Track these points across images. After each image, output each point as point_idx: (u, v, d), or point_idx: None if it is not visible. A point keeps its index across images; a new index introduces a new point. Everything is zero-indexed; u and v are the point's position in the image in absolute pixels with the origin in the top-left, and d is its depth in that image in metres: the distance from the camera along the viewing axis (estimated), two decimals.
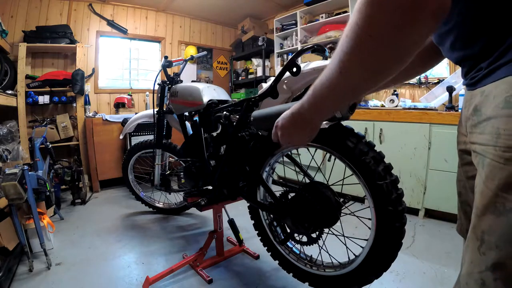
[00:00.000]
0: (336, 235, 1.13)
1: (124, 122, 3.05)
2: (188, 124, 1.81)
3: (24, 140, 2.73)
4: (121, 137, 2.96)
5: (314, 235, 1.13)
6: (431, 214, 2.30)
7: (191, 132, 1.71)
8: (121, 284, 1.50)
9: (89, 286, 1.49)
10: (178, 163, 2.44)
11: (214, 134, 1.59)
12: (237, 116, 1.26)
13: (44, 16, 3.14)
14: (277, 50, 3.94)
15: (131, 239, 2.02)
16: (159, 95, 2.08)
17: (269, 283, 1.50)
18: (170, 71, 2.02)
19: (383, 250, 0.91)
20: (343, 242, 1.08)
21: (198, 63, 4.46)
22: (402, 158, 2.33)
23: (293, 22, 3.72)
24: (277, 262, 1.35)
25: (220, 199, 1.56)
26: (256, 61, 4.23)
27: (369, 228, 0.94)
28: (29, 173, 1.65)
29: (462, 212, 0.67)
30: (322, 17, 3.43)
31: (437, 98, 2.47)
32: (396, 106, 2.60)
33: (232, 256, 1.75)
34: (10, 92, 2.73)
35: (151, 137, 2.95)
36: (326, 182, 1.13)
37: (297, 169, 1.32)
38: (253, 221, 1.41)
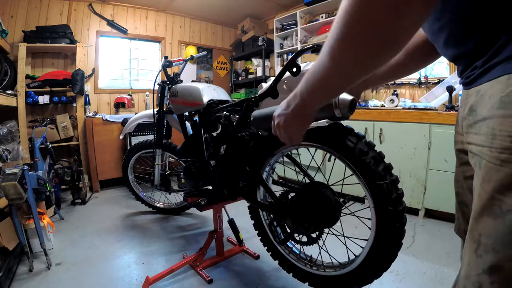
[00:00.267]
0: (336, 235, 1.13)
1: (124, 122, 3.05)
2: (188, 124, 1.81)
3: (24, 140, 2.73)
4: (121, 137, 2.96)
5: (314, 235, 1.13)
6: (431, 214, 2.30)
7: (191, 132, 1.71)
8: (121, 284, 1.50)
9: (89, 286, 1.49)
10: (178, 163, 2.44)
11: (214, 134, 1.59)
12: (237, 116, 1.26)
13: (44, 16, 3.14)
14: (277, 50, 3.94)
15: (131, 239, 2.02)
16: (159, 95, 2.08)
17: (269, 283, 1.50)
18: (170, 71, 2.02)
19: (383, 250, 0.91)
20: (343, 242, 1.08)
21: (198, 63, 4.46)
22: (402, 158, 2.33)
23: (293, 22, 3.72)
24: (277, 262, 1.35)
25: (220, 199, 1.56)
26: (256, 61, 4.23)
27: (369, 228, 0.94)
28: (29, 173, 1.65)
29: (460, 212, 0.66)
30: (322, 17, 3.43)
31: (437, 98, 2.47)
32: (396, 106, 2.60)
33: (232, 256, 1.75)
34: (10, 92, 2.72)
35: (151, 137, 2.95)
36: (326, 182, 1.13)
37: (297, 169, 1.32)
38: (253, 221, 1.41)
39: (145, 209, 2.53)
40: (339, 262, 1.13)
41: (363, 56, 0.43)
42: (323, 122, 0.90)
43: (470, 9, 0.46)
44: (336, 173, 1.14)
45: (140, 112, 2.40)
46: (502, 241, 0.40)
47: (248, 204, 1.39)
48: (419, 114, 2.25)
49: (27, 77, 2.93)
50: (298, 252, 1.29)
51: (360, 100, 2.99)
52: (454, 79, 2.35)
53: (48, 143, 2.53)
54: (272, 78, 1.07)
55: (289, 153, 1.27)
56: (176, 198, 2.47)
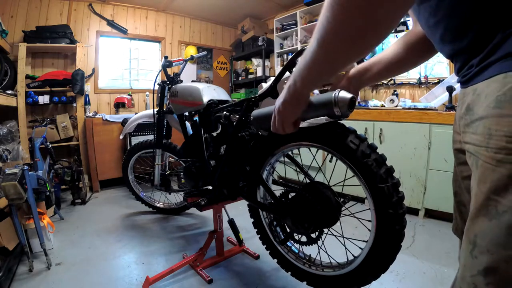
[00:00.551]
0: (335, 235, 1.13)
1: (124, 122, 3.05)
2: (188, 124, 1.81)
3: (24, 140, 2.73)
4: (121, 137, 2.96)
5: (313, 235, 1.12)
6: (431, 214, 2.30)
7: (191, 132, 1.71)
8: (121, 284, 1.50)
9: (89, 286, 1.49)
10: (178, 163, 2.44)
11: (214, 134, 1.59)
12: (237, 116, 1.26)
13: (44, 16, 3.14)
14: (277, 50, 3.94)
15: (131, 239, 2.02)
16: (159, 95, 2.08)
17: (269, 283, 1.50)
18: (170, 71, 2.02)
19: (382, 252, 0.91)
20: (342, 243, 1.08)
21: (198, 63, 4.46)
22: (402, 158, 2.33)
23: (293, 22, 3.72)
24: (277, 262, 1.35)
25: (220, 199, 1.56)
26: (256, 61, 4.23)
27: (369, 230, 0.94)
28: (29, 173, 1.65)
29: (458, 212, 0.66)
30: None
31: (437, 98, 2.47)
32: (396, 106, 2.60)
33: (232, 256, 1.75)
34: (10, 92, 2.73)
35: (151, 137, 2.95)
36: (326, 183, 1.13)
37: (297, 169, 1.32)
38: (252, 219, 1.41)
39: (145, 209, 2.53)
40: (338, 262, 1.13)
41: (348, 40, 0.45)
42: (322, 120, 0.89)
43: (465, 5, 0.45)
44: (337, 174, 1.14)
45: (140, 112, 2.40)
46: (497, 242, 0.40)
47: (248, 204, 1.39)
48: (419, 114, 2.25)
49: (27, 77, 2.93)
50: (297, 251, 1.29)
51: (360, 100, 3.00)
52: (454, 79, 2.35)
53: (48, 143, 2.53)
54: (272, 78, 1.07)
55: (289, 153, 1.27)
56: (176, 198, 2.47)
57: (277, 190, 1.21)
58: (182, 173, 1.94)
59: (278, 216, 1.20)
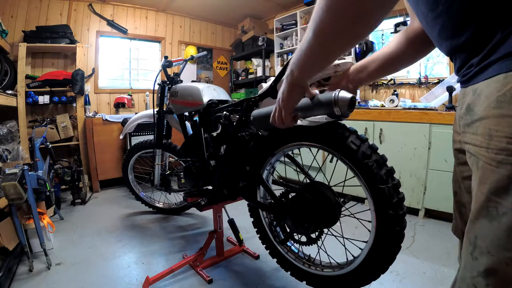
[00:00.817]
0: (335, 236, 1.13)
1: (124, 122, 3.05)
2: (188, 124, 1.81)
3: (24, 140, 2.73)
4: (121, 137, 2.96)
5: (313, 236, 1.12)
6: (431, 214, 2.30)
7: (191, 132, 1.71)
8: (121, 284, 1.50)
9: (89, 286, 1.49)
10: (178, 163, 2.44)
11: (214, 134, 1.59)
12: (237, 116, 1.26)
13: (44, 16, 3.14)
14: (277, 50, 3.94)
15: (131, 239, 2.02)
16: (159, 95, 2.08)
17: (269, 283, 1.50)
18: (170, 71, 2.02)
19: (382, 253, 0.91)
20: (342, 243, 1.08)
21: (198, 63, 4.46)
22: (402, 158, 2.33)
23: (293, 22, 3.72)
24: (276, 262, 1.35)
25: (220, 199, 1.56)
26: (256, 61, 4.23)
27: (369, 231, 0.94)
28: (29, 173, 1.65)
29: (458, 212, 0.66)
30: None
31: (437, 98, 2.47)
32: (396, 106, 2.60)
33: (232, 256, 1.75)
34: (10, 92, 2.73)
35: (151, 137, 2.95)
36: (326, 183, 1.13)
37: (298, 169, 1.32)
38: (252, 219, 1.41)
39: (145, 209, 2.53)
40: (338, 262, 1.13)
41: (340, 29, 0.48)
42: (322, 118, 0.89)
43: (464, 1, 0.45)
44: (337, 174, 1.14)
45: (140, 112, 2.39)
46: (497, 244, 0.40)
47: (248, 204, 1.39)
48: (419, 114, 2.25)
49: (27, 77, 2.93)
50: (296, 251, 1.29)
51: (360, 100, 3.00)
52: (454, 79, 2.35)
53: (48, 143, 2.53)
54: (272, 78, 1.07)
55: (290, 153, 1.27)
56: (176, 198, 2.47)
57: (277, 190, 1.21)
58: (182, 173, 1.94)
59: (278, 216, 1.20)
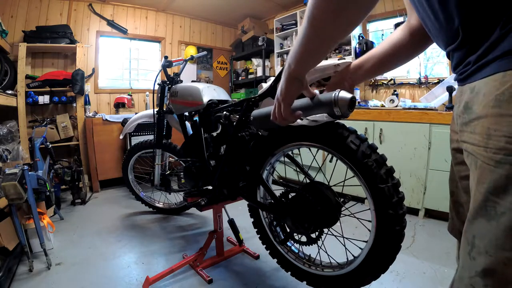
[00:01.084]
0: (335, 236, 1.13)
1: (124, 122, 3.05)
2: (188, 124, 1.81)
3: (24, 140, 2.73)
4: (121, 137, 2.96)
5: (313, 235, 1.12)
6: (431, 214, 2.30)
7: (191, 132, 1.71)
8: (121, 284, 1.50)
9: (89, 286, 1.49)
10: (178, 163, 2.44)
11: (214, 134, 1.59)
12: (237, 116, 1.26)
13: (44, 16, 3.14)
14: (277, 50, 3.94)
15: (131, 239, 2.02)
16: (159, 95, 2.08)
17: (269, 283, 1.50)
18: (170, 71, 2.02)
19: (382, 253, 0.91)
20: (342, 243, 1.08)
21: (198, 63, 4.46)
22: (402, 158, 2.33)
23: (293, 22, 3.72)
24: (277, 262, 1.35)
25: (220, 199, 1.56)
26: (256, 61, 4.23)
27: (369, 230, 0.94)
28: (29, 173, 1.65)
29: (455, 212, 0.66)
30: None
31: (437, 98, 2.47)
32: (396, 106, 2.60)
33: (232, 256, 1.75)
34: (10, 92, 2.72)
35: (151, 137, 2.95)
36: (326, 183, 1.13)
37: (297, 169, 1.32)
38: (252, 219, 1.41)
39: (145, 209, 2.53)
40: (338, 262, 1.13)
41: (332, 14, 0.49)
42: (322, 116, 0.89)
43: None
44: (337, 174, 1.14)
45: (140, 112, 2.39)
46: (495, 244, 0.40)
47: (248, 204, 1.39)
48: (419, 114, 2.25)
49: (27, 77, 2.92)
50: (296, 251, 1.29)
51: (360, 100, 3.00)
52: (454, 79, 2.35)
53: (48, 143, 2.53)
54: (272, 78, 1.07)
55: (290, 153, 1.27)
56: (176, 198, 2.47)
57: (277, 190, 1.21)
58: (182, 173, 1.94)
59: (278, 216, 1.20)
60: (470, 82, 0.47)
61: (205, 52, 2.63)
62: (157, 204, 2.49)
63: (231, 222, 1.71)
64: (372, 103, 2.80)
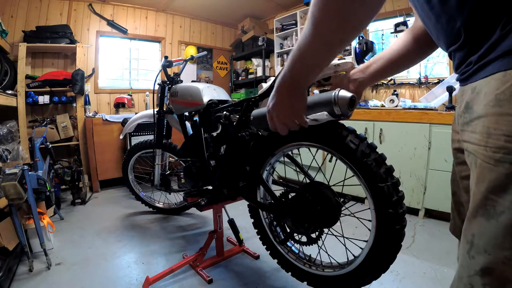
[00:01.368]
0: (335, 235, 1.13)
1: (124, 122, 3.05)
2: (188, 124, 1.81)
3: (24, 140, 2.73)
4: (121, 137, 2.96)
5: (314, 235, 1.12)
6: (431, 214, 2.30)
7: (191, 132, 1.71)
8: (121, 284, 1.50)
9: (89, 286, 1.49)
10: (178, 163, 2.44)
11: (214, 134, 1.59)
12: (237, 116, 1.26)
13: (44, 16, 3.14)
14: (277, 50, 3.94)
15: (131, 239, 2.02)
16: (159, 95, 2.08)
17: (269, 283, 1.50)
18: (170, 71, 2.02)
19: (382, 252, 0.91)
20: (343, 243, 1.08)
21: (198, 63, 4.46)
22: (402, 158, 2.33)
23: (293, 22, 3.72)
24: (277, 262, 1.35)
25: (220, 199, 1.56)
26: (256, 61, 4.23)
27: (369, 230, 0.94)
28: (29, 173, 1.65)
29: (456, 212, 0.66)
30: None
31: (437, 98, 2.47)
32: (396, 106, 2.60)
33: (232, 256, 1.75)
34: (10, 92, 2.73)
35: (151, 137, 2.95)
36: (326, 182, 1.13)
37: (297, 169, 1.32)
38: (252, 220, 1.41)
39: (145, 209, 2.53)
40: (338, 262, 1.13)
41: (338, 15, 0.47)
42: (323, 115, 0.89)
43: None
44: (337, 174, 1.14)
45: (140, 112, 2.39)
46: (494, 243, 0.40)
47: (248, 204, 1.39)
48: (419, 114, 2.25)
49: (27, 77, 2.93)
50: (297, 251, 1.29)
51: (360, 100, 2.99)
52: (454, 79, 2.35)
53: (48, 143, 2.53)
54: (272, 78, 1.07)
55: (289, 153, 1.27)
56: (176, 198, 2.47)
57: (277, 190, 1.21)
58: (182, 173, 1.94)
59: (278, 216, 1.20)
60: (472, 82, 0.47)
61: (205, 52, 2.63)
62: (157, 204, 2.48)
63: (231, 222, 1.71)
64: (372, 103, 2.80)
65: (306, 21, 0.51)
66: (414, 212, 2.33)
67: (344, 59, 0.88)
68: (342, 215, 1.08)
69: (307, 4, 3.44)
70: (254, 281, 1.52)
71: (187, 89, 1.64)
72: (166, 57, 1.91)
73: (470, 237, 0.44)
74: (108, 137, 3.18)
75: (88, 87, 3.41)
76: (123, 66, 3.90)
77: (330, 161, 1.01)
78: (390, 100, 2.64)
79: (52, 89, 3.03)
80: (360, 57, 2.94)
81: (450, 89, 2.29)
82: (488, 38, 0.42)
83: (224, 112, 1.36)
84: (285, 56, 3.97)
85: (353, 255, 1.05)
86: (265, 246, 1.37)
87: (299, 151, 1.23)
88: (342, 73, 0.87)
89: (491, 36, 0.42)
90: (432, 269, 1.58)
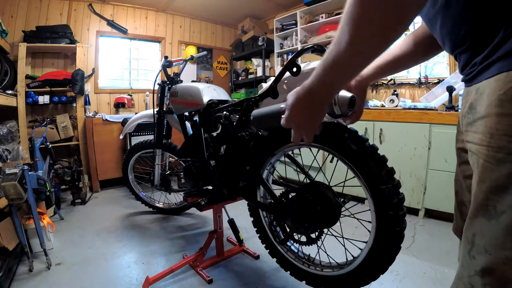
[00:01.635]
0: (335, 236, 1.13)
1: (124, 122, 3.05)
2: (188, 124, 1.81)
3: (24, 140, 2.73)
4: (121, 137, 2.96)
5: (313, 235, 1.12)
6: (431, 214, 2.30)
7: (191, 132, 1.71)
8: (121, 284, 1.50)
9: (89, 286, 1.49)
10: (178, 163, 2.44)
11: (214, 134, 1.59)
12: (237, 116, 1.26)
13: (44, 16, 3.14)
14: (277, 50, 3.94)
15: (131, 239, 2.02)
16: (159, 95, 2.08)
17: (269, 283, 1.50)
18: (170, 71, 2.02)
19: (381, 253, 0.91)
20: (342, 243, 1.08)
21: (198, 63, 4.46)
22: (402, 158, 2.33)
23: (293, 22, 3.72)
24: (276, 261, 1.35)
25: (220, 199, 1.56)
26: (256, 61, 4.23)
27: (369, 231, 0.94)
28: (29, 173, 1.65)
29: (458, 212, 0.66)
30: (322, 17, 3.43)
31: (437, 98, 2.47)
32: (396, 106, 2.60)
33: (232, 256, 1.75)
34: (10, 92, 2.72)
35: (151, 137, 2.95)
36: (327, 183, 1.13)
37: (298, 169, 1.32)
38: (252, 218, 1.41)
39: (145, 209, 2.53)
40: (337, 262, 1.13)
41: (379, 33, 0.43)
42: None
43: None
44: (338, 174, 1.13)
45: (140, 112, 2.39)
46: (495, 243, 0.40)
47: (248, 204, 1.39)
48: (419, 114, 2.25)
49: (27, 77, 2.92)
50: (296, 250, 1.29)
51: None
52: (454, 79, 2.35)
53: (48, 143, 2.53)
54: (272, 78, 1.07)
55: (290, 153, 1.27)
56: (176, 198, 2.47)
57: (277, 190, 1.21)
58: (182, 173, 1.94)
59: (278, 216, 1.20)
60: (476, 82, 0.47)
61: (205, 52, 2.63)
62: (157, 204, 2.48)
63: (231, 222, 1.71)
64: (372, 103, 2.80)
65: (338, 32, 0.47)
66: (414, 212, 2.33)
67: None
68: (342, 215, 1.08)
69: (307, 4, 3.44)
70: (254, 281, 1.52)
71: (187, 89, 1.64)
72: (166, 57, 1.91)
73: (471, 237, 0.44)
74: (108, 137, 3.18)
75: (88, 87, 3.41)
76: (123, 66, 3.90)
77: (331, 161, 1.01)
78: (390, 100, 2.64)
79: (52, 89, 3.03)
80: None
81: (450, 89, 2.29)
82: (492, 39, 0.43)
83: (224, 112, 1.36)
84: (285, 56, 3.97)
85: (352, 255, 1.05)
86: (264, 245, 1.37)
87: (300, 151, 1.23)
88: None
89: (494, 38, 0.42)
90: (432, 269, 1.58)
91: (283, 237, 1.25)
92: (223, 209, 1.69)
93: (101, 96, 3.61)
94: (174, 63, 2.06)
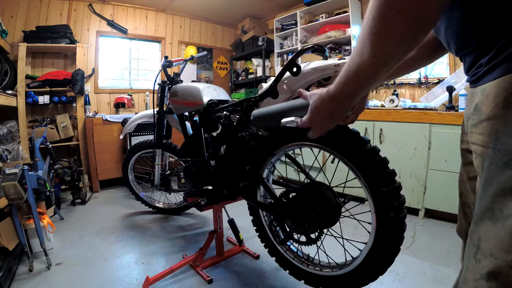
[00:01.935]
0: (335, 236, 1.13)
1: (124, 122, 3.05)
2: (188, 124, 1.81)
3: (24, 140, 2.73)
4: (121, 137, 2.96)
5: (313, 236, 1.12)
6: (431, 214, 2.30)
7: (191, 132, 1.71)
8: (121, 284, 1.50)
9: (89, 286, 1.49)
10: (178, 163, 2.44)
11: (214, 134, 1.59)
12: (237, 116, 1.26)
13: (44, 16, 3.14)
14: (277, 50, 3.94)
15: (131, 239, 2.02)
16: (159, 95, 2.08)
17: (269, 283, 1.50)
18: (170, 71, 2.02)
19: (381, 255, 0.91)
20: (342, 244, 1.08)
21: (198, 63, 4.46)
22: (402, 158, 2.33)
23: (293, 22, 3.72)
24: (275, 260, 1.35)
25: (220, 199, 1.56)
26: (256, 61, 4.23)
27: (369, 232, 0.94)
28: (29, 173, 1.65)
29: (462, 213, 0.65)
30: (322, 17, 3.43)
31: (437, 98, 2.47)
32: (396, 106, 2.60)
33: (232, 256, 1.75)
34: (10, 92, 2.72)
35: (151, 137, 2.95)
36: (327, 183, 1.13)
37: (298, 169, 1.32)
38: (251, 217, 1.40)
39: (145, 209, 2.53)
40: (337, 262, 1.13)
41: (402, 44, 0.44)
42: None
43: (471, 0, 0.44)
44: (338, 174, 1.13)
45: (140, 112, 2.40)
46: (501, 246, 0.39)
47: (248, 203, 1.39)
48: (419, 114, 2.25)
49: (27, 77, 2.93)
50: (295, 250, 1.29)
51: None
52: (454, 79, 2.35)
53: (48, 143, 2.53)
54: (272, 78, 1.07)
55: (290, 153, 1.27)
56: (176, 198, 2.47)
57: (278, 190, 1.21)
58: (182, 173, 1.94)
59: (278, 216, 1.20)
60: (481, 84, 0.47)
61: (205, 52, 2.63)
62: (157, 204, 2.48)
63: (231, 222, 1.71)
64: (372, 103, 2.80)
65: (359, 43, 0.48)
66: (414, 212, 2.33)
67: (344, 59, 0.88)
68: (342, 216, 1.08)
69: (307, 4, 3.45)
70: (254, 281, 1.52)
71: (187, 89, 1.64)
72: (166, 57, 1.91)
73: (477, 241, 0.43)
74: (108, 137, 3.18)
75: (88, 87, 3.41)
76: (123, 66, 3.90)
77: (332, 162, 1.01)
78: (390, 100, 2.64)
79: (52, 89, 3.03)
80: None
81: (450, 89, 2.29)
82: (498, 41, 0.42)
83: (224, 112, 1.36)
84: (285, 56, 3.97)
85: (352, 256, 1.05)
86: (264, 244, 1.37)
87: (301, 151, 1.23)
88: None
89: (500, 40, 0.42)
90: (432, 269, 1.58)
91: (283, 237, 1.25)
92: (223, 209, 1.69)
93: (101, 96, 3.61)
94: (174, 63, 2.06)
